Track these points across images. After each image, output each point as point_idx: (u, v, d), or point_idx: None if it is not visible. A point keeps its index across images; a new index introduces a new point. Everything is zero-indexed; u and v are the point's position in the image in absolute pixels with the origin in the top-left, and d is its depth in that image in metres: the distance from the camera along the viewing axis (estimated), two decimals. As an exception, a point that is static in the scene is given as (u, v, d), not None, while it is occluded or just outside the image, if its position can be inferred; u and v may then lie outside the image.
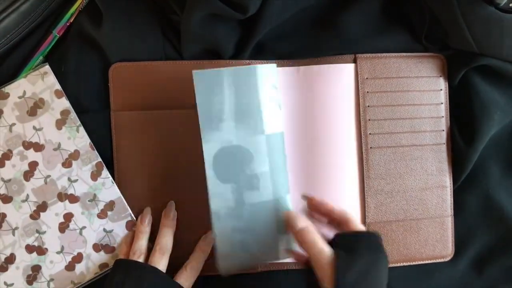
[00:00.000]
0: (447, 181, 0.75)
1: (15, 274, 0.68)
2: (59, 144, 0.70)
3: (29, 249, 0.69)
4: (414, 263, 0.75)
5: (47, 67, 0.70)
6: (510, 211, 0.75)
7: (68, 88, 0.71)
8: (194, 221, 0.71)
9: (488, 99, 0.73)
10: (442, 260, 0.75)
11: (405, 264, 0.75)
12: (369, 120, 0.73)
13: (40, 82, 0.70)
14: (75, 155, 0.70)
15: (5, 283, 0.68)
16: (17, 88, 0.70)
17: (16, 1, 0.68)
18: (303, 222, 0.59)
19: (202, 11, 0.68)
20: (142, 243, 0.68)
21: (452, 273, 0.76)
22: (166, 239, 0.68)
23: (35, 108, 0.70)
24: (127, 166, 0.71)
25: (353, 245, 0.56)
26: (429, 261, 0.75)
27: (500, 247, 0.76)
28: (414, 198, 0.74)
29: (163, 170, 0.71)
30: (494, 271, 0.76)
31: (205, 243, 0.70)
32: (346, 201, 0.73)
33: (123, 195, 0.71)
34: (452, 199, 0.75)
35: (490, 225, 0.76)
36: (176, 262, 0.69)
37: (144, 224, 0.69)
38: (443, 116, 0.75)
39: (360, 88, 0.73)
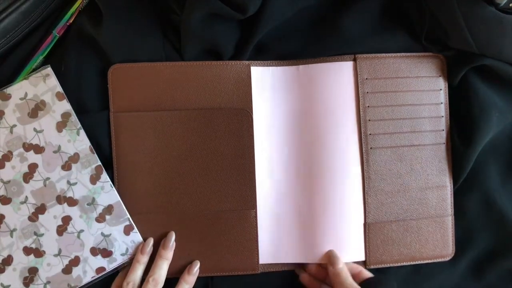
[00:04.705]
0: (447, 180, 0.72)
1: (12, 276, 0.65)
2: (59, 147, 0.67)
3: (27, 251, 0.65)
4: (414, 262, 0.72)
5: (49, 69, 0.67)
6: (510, 214, 0.72)
7: (68, 88, 0.68)
8: (194, 221, 0.69)
9: (487, 100, 0.70)
10: (442, 259, 0.72)
11: (405, 263, 0.72)
12: (369, 120, 0.70)
13: (41, 84, 0.67)
14: (74, 158, 0.67)
15: (1, 284, 0.65)
16: (19, 89, 0.67)
17: (16, 1, 0.65)
18: (341, 263, 0.67)
19: (202, 11, 0.65)
20: (137, 274, 0.66)
21: (451, 274, 0.74)
22: (161, 272, 0.66)
23: (36, 110, 0.67)
24: (127, 167, 0.69)
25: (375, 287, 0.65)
26: (430, 261, 0.72)
27: (500, 250, 0.73)
28: (414, 198, 0.71)
29: (163, 171, 0.69)
30: (493, 273, 0.73)
31: (190, 275, 0.68)
32: (347, 201, 0.70)
33: (123, 195, 0.68)
34: (452, 198, 0.72)
35: (490, 228, 0.73)
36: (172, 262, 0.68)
37: (144, 255, 0.66)
38: (443, 116, 0.72)
39: (360, 88, 0.70)
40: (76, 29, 0.70)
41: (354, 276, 0.68)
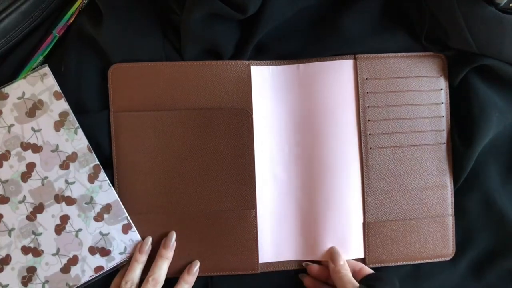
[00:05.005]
0: (448, 180, 0.71)
1: (11, 275, 0.65)
2: (57, 146, 0.66)
3: (25, 250, 0.65)
4: (414, 262, 0.72)
5: (46, 69, 0.67)
6: (510, 214, 0.71)
7: (68, 88, 0.68)
8: (194, 221, 0.69)
9: (487, 100, 0.69)
10: (443, 259, 0.72)
11: (405, 263, 0.71)
12: (368, 120, 0.70)
13: (39, 84, 0.66)
14: (72, 157, 0.66)
15: (0, 284, 0.65)
16: (17, 89, 0.66)
17: (16, 1, 0.65)
18: (342, 260, 0.68)
19: (202, 11, 0.64)
20: (136, 273, 0.65)
21: (451, 274, 0.73)
22: (161, 272, 0.65)
23: (34, 109, 0.66)
24: (127, 167, 0.68)
25: (375, 284, 0.64)
26: (430, 260, 0.72)
27: (500, 250, 0.72)
28: (414, 197, 0.71)
29: (163, 171, 0.68)
30: (493, 273, 0.73)
31: (190, 275, 0.67)
32: (346, 201, 0.70)
33: (123, 195, 0.68)
34: (452, 198, 0.72)
35: (490, 228, 0.72)
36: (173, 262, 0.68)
37: (142, 254, 0.66)
38: (443, 116, 0.71)
39: (360, 88, 0.69)
40: (76, 29, 0.70)
41: (355, 273, 0.68)
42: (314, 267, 0.70)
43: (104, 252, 0.66)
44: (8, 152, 0.66)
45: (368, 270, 0.68)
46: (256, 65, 0.70)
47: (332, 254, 0.68)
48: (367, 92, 0.70)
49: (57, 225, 0.66)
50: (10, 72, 0.70)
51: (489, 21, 0.63)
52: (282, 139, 0.70)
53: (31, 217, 0.66)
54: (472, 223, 0.73)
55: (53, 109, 0.67)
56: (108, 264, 0.67)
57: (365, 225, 0.70)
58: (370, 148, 0.70)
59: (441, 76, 0.71)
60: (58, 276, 0.66)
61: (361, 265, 0.69)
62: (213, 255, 0.69)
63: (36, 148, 0.66)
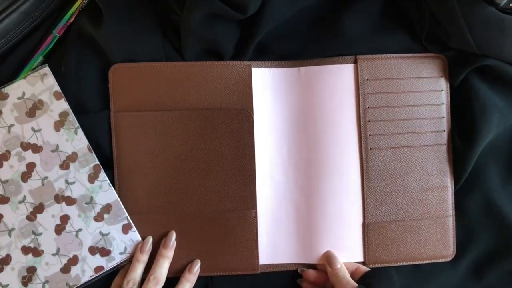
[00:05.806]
0: (448, 181, 0.71)
1: (11, 275, 0.65)
2: (57, 146, 0.66)
3: (25, 250, 0.65)
4: (414, 262, 0.71)
5: (46, 69, 0.66)
6: (510, 215, 0.71)
7: (68, 88, 0.67)
8: (194, 221, 0.69)
9: (488, 101, 0.69)
10: (443, 260, 0.71)
11: (405, 263, 0.71)
12: (369, 121, 0.69)
13: (39, 84, 0.66)
14: (72, 157, 0.66)
15: (0, 284, 0.64)
16: (17, 89, 0.66)
17: (16, 1, 0.65)
18: (339, 263, 0.68)
19: (202, 11, 0.64)
20: (137, 272, 0.65)
21: (451, 275, 0.73)
22: (162, 271, 0.66)
23: (34, 109, 0.66)
24: (127, 167, 0.68)
25: (371, 281, 0.65)
26: (430, 261, 0.71)
27: (500, 251, 0.72)
28: (414, 198, 0.70)
29: (164, 171, 0.68)
30: (493, 274, 0.72)
31: (191, 274, 0.68)
32: (346, 202, 0.69)
33: (123, 195, 0.67)
34: (453, 199, 0.71)
35: (490, 229, 0.72)
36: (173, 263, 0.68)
37: (143, 254, 0.66)
38: (444, 117, 0.71)
39: (360, 89, 0.69)
40: (76, 29, 0.70)
41: (353, 274, 0.68)
42: (310, 273, 0.70)
43: (104, 252, 0.66)
44: (8, 152, 0.66)
45: (364, 269, 0.69)
46: (257, 66, 0.70)
47: (328, 257, 0.69)
48: (368, 93, 0.70)
49: (57, 225, 0.66)
50: (10, 72, 0.70)
51: (490, 22, 0.63)
52: (282, 140, 0.70)
53: (31, 217, 0.66)
54: (472, 224, 0.72)
55: (53, 109, 0.67)
56: (108, 264, 0.66)
57: (364, 225, 0.70)
58: (370, 149, 0.70)
59: (441, 77, 0.71)
60: (58, 276, 0.66)
61: (357, 265, 0.70)
62: (213, 255, 0.69)
63: (36, 148, 0.66)
